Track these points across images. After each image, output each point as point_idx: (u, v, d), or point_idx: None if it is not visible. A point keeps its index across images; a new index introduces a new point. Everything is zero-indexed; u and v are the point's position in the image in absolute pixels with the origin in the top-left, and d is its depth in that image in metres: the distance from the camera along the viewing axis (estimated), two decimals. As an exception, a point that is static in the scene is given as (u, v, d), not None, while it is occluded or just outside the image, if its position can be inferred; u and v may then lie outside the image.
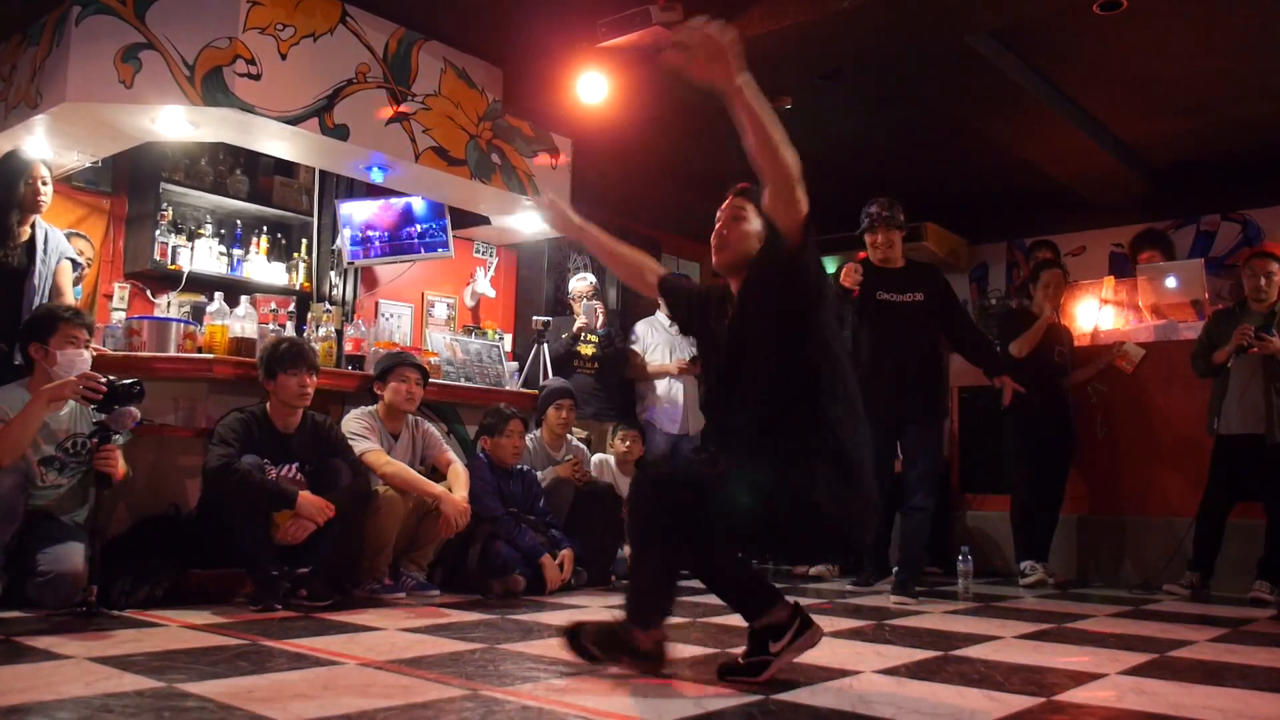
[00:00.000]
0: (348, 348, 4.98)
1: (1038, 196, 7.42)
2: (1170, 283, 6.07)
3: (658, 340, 6.28)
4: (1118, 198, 7.29)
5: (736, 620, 3.60)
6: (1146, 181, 7.07)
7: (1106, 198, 7.29)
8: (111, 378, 3.44)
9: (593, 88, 5.19)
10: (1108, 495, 5.74)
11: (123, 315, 5.07)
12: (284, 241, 6.07)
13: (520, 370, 5.96)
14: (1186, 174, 7.08)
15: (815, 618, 3.72)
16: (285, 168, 5.99)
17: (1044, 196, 7.39)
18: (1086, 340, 6.10)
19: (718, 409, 2.73)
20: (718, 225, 2.71)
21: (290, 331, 4.84)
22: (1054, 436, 5.43)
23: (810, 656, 2.83)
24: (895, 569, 4.69)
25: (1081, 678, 2.64)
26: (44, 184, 4.21)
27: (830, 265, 8.60)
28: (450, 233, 5.94)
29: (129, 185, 5.55)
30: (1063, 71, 5.63)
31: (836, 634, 3.36)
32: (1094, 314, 6.41)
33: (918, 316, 4.79)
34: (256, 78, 4.58)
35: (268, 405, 3.96)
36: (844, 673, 2.63)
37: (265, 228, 5.95)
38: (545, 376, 5.81)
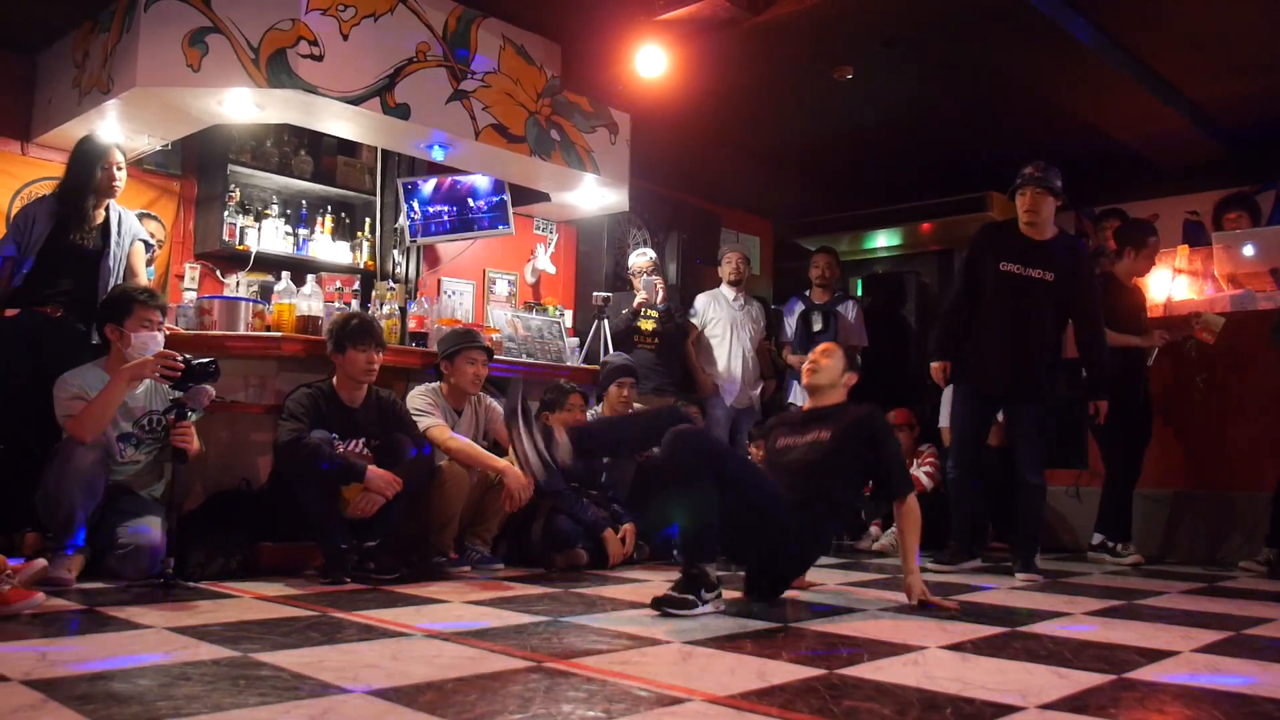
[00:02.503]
0: (411, 325, 5.05)
1: (1106, 163, 7.20)
2: (1248, 251, 5.86)
3: (719, 315, 6.27)
4: (1190, 163, 7.05)
5: (794, 594, 3.61)
6: (1221, 145, 6.83)
7: (1179, 163, 7.06)
8: (188, 356, 3.52)
9: (651, 61, 5.15)
10: (1185, 470, 5.60)
11: (194, 295, 5.19)
12: (348, 221, 6.15)
13: (581, 346, 5.99)
14: (1264, 136, 6.82)
15: (876, 593, 3.73)
16: (348, 147, 6.05)
17: (1113, 163, 7.17)
18: (1159, 311, 5.93)
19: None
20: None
21: (356, 309, 4.91)
22: (1132, 408, 5.28)
23: (875, 631, 2.81)
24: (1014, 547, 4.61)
25: (1153, 655, 2.59)
26: (119, 169, 4.32)
27: (889, 239, 8.49)
28: (510, 209, 5.97)
29: (197, 167, 5.67)
30: (1130, 30, 5.42)
31: (900, 610, 3.34)
32: (1167, 284, 6.23)
33: (1041, 297, 4.53)
34: (319, 59, 4.64)
35: (334, 380, 4.03)
36: (908, 648, 2.61)
37: (329, 207, 6.03)
38: (606, 352, 5.83)
